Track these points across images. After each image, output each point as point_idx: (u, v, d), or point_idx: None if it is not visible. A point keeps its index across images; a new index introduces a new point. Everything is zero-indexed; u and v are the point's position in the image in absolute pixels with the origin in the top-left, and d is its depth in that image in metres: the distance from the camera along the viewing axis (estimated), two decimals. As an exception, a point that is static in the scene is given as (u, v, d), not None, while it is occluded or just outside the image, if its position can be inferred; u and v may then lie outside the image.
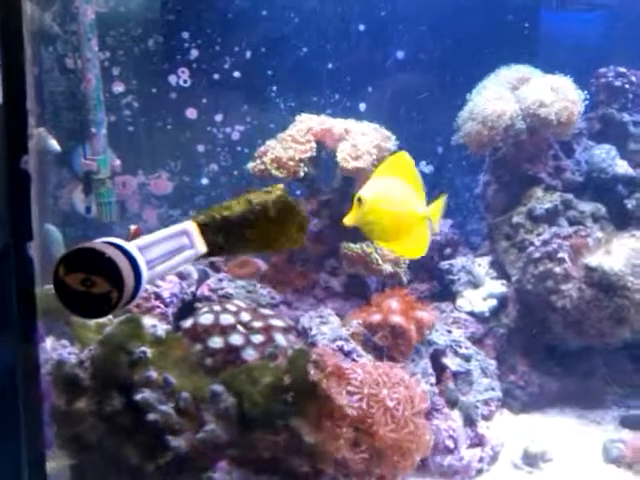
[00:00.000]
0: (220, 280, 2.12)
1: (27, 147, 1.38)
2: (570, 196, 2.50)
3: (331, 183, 2.46)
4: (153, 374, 1.48)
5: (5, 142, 1.37)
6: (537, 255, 2.29)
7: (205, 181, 2.78)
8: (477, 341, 2.31)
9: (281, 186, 1.30)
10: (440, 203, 1.55)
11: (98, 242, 1.07)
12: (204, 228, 1.23)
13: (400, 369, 1.60)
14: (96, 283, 1.03)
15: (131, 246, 1.10)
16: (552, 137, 2.58)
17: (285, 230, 1.28)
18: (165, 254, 1.19)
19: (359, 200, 1.45)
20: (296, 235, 1.29)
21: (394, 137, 2.44)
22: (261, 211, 1.26)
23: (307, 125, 2.38)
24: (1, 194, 1.39)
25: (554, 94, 2.47)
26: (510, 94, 2.53)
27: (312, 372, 1.47)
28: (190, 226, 1.22)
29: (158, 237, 1.18)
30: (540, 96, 2.47)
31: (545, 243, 2.30)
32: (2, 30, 1.36)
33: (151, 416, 1.45)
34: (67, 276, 1.04)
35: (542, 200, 2.47)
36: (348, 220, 1.47)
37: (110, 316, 1.67)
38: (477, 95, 2.57)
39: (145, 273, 1.11)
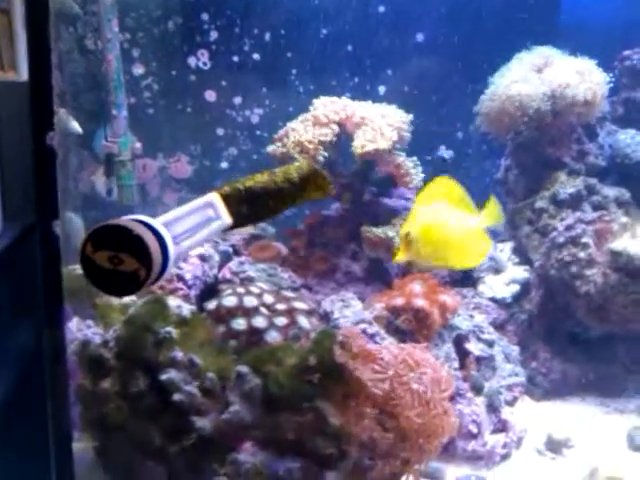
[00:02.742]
0: (241, 263, 2.10)
1: (53, 124, 1.37)
2: (594, 181, 2.46)
3: (351, 167, 2.44)
4: (178, 354, 1.47)
5: (31, 118, 1.36)
6: (561, 240, 2.26)
7: (225, 165, 2.76)
8: (499, 327, 2.29)
9: (305, 159, 1.28)
10: (491, 204, 1.46)
11: (125, 219, 1.06)
12: (228, 199, 1.21)
13: (426, 351, 1.59)
14: (124, 261, 1.02)
15: (157, 223, 1.09)
16: (576, 120, 2.54)
17: (309, 195, 1.26)
18: (191, 228, 1.17)
19: (407, 236, 1.40)
20: (319, 195, 1.26)
21: (411, 118, 2.42)
22: (284, 178, 1.24)
23: (330, 108, 2.35)
24: (27, 171, 1.38)
25: (579, 76, 2.43)
26: (535, 76, 2.49)
27: (338, 353, 1.45)
28: (214, 197, 1.20)
29: (183, 212, 1.16)
30: (565, 78, 2.44)
31: (569, 228, 2.27)
32: (29, 7, 1.35)
33: (176, 396, 1.45)
34: (95, 253, 1.02)
35: (566, 185, 2.44)
36: (399, 258, 1.42)
37: (134, 297, 1.67)
38: (501, 77, 2.54)
39: (172, 250, 1.10)
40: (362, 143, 2.27)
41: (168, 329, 1.49)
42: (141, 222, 1.06)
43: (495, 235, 2.78)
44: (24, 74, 1.45)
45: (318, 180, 1.25)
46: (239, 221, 1.23)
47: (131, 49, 2.54)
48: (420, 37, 2.93)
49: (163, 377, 1.46)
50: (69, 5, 2.26)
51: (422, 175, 2.38)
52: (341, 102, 2.43)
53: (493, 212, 1.46)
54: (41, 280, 1.37)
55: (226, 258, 2.12)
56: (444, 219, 1.42)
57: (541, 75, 2.50)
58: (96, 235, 1.01)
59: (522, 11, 2.99)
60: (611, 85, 2.54)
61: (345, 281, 2.29)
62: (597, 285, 2.17)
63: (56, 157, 1.36)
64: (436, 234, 1.40)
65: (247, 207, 1.23)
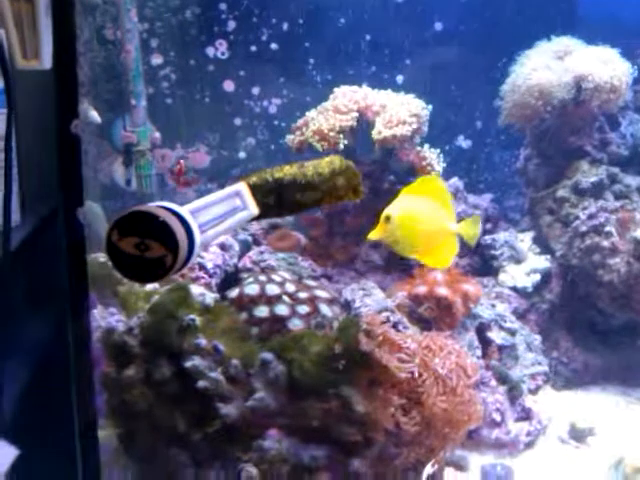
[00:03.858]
0: (261, 252, 2.10)
1: (77, 111, 1.37)
2: (616, 170, 2.44)
3: (371, 155, 2.43)
4: (203, 341, 1.47)
5: (56, 106, 1.36)
6: (584, 229, 2.24)
7: (242, 154, 2.76)
8: (520, 316, 2.27)
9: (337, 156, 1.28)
10: (473, 221, 1.51)
11: (151, 206, 1.06)
12: (255, 189, 1.21)
13: (451, 339, 1.58)
14: (150, 247, 1.02)
15: (184, 210, 1.09)
16: (598, 109, 2.51)
17: (337, 191, 1.25)
18: (217, 217, 1.17)
19: (387, 218, 1.41)
20: (349, 195, 1.27)
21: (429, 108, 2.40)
22: (314, 171, 1.23)
23: (350, 97, 2.34)
24: (47, 159, 1.38)
25: (602, 64, 2.40)
26: (557, 63, 2.46)
27: (363, 340, 1.45)
28: (242, 187, 1.20)
29: (210, 200, 1.16)
30: (588, 65, 2.41)
31: (591, 217, 2.25)
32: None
33: (201, 383, 1.45)
34: (121, 240, 1.02)
35: (588, 174, 2.42)
36: (374, 235, 1.44)
37: (157, 284, 1.67)
38: (521, 66, 2.51)
39: (198, 237, 1.09)
40: (381, 129, 2.26)
41: (192, 316, 1.49)
42: (167, 209, 1.06)
43: (514, 224, 2.76)
44: (47, 62, 1.44)
45: (349, 176, 1.24)
46: (265, 212, 1.22)
47: (149, 39, 2.53)
48: (439, 26, 2.90)
49: (188, 364, 1.46)
50: (88, -5, 2.26)
51: (443, 164, 2.37)
52: (362, 91, 2.41)
53: (471, 226, 1.49)
54: (65, 268, 1.37)
55: (246, 247, 2.12)
56: (426, 212, 1.45)
57: (563, 63, 2.47)
58: (122, 222, 1.01)
59: (542, 2, 2.96)
60: (634, 75, 2.51)
61: (365, 270, 2.28)
62: (620, 274, 2.15)
63: (81, 145, 1.36)
64: (414, 223, 1.42)
65: (274, 198, 1.22)
